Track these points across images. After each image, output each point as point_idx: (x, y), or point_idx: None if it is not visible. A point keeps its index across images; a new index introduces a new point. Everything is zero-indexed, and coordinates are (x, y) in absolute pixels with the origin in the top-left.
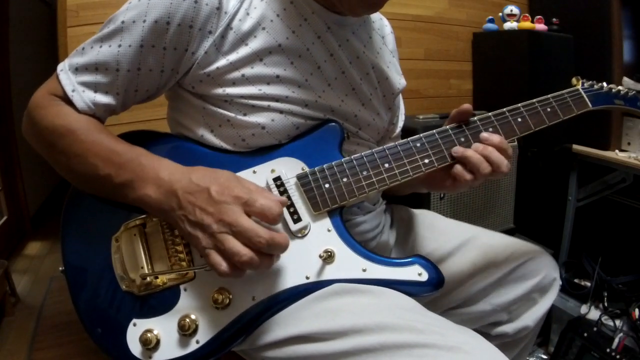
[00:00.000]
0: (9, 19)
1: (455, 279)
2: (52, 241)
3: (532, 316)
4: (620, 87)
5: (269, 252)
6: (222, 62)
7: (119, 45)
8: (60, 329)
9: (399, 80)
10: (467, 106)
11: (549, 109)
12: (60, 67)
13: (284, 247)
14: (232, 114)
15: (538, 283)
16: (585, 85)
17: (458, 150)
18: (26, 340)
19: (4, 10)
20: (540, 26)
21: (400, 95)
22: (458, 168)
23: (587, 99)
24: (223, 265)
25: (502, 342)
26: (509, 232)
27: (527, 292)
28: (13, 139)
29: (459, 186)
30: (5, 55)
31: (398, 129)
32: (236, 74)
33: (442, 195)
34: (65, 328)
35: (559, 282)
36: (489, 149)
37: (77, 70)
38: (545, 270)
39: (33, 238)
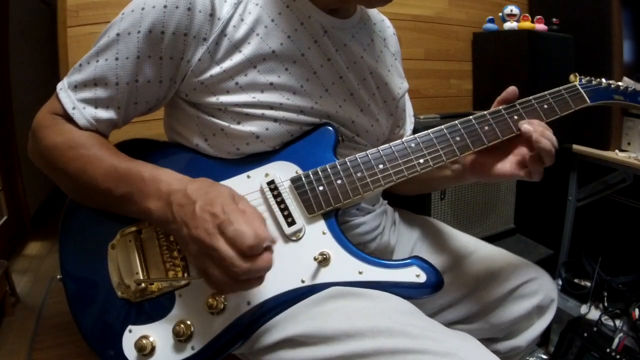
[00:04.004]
0: (9, 19)
1: (456, 293)
2: (52, 241)
3: (526, 337)
4: (619, 83)
5: (248, 278)
6: (215, 70)
7: (116, 58)
8: (60, 329)
9: (400, 84)
10: (512, 88)
11: (545, 106)
12: (59, 85)
13: (265, 270)
14: (226, 123)
15: (537, 304)
16: (583, 81)
17: (523, 124)
18: (26, 340)
19: (4, 10)
20: (540, 26)
21: (408, 98)
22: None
23: (585, 95)
24: (214, 285)
25: None
26: (509, 232)
27: (527, 314)
28: (13, 139)
29: (517, 169)
30: (5, 55)
31: (408, 132)
32: (230, 82)
33: (442, 196)
34: (65, 328)
35: (556, 304)
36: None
37: (77, 87)
38: (545, 291)
39: (33, 238)
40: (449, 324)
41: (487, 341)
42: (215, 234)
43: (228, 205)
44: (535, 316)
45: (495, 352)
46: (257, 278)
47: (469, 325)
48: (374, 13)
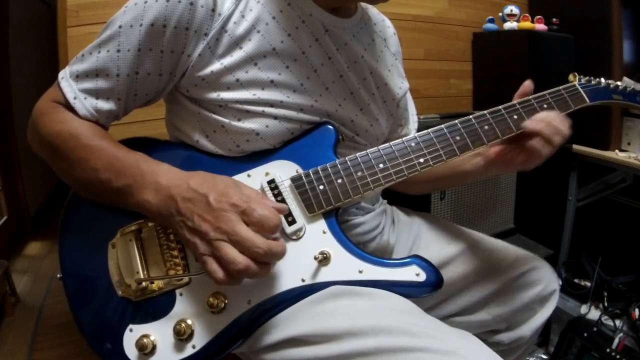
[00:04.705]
0: (9, 19)
1: (456, 286)
2: (52, 241)
3: (529, 327)
4: (618, 82)
5: (266, 261)
6: (216, 65)
7: (118, 50)
8: (60, 329)
9: (401, 85)
10: (528, 82)
11: (545, 105)
12: (61, 74)
13: (281, 255)
14: (226, 120)
15: (538, 294)
16: (582, 80)
17: (527, 124)
18: (26, 340)
19: (4, 10)
20: (540, 26)
21: (410, 98)
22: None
23: (584, 94)
24: (219, 273)
25: (497, 351)
26: (509, 232)
27: (528, 303)
28: (13, 139)
29: (534, 159)
30: (5, 55)
31: (413, 131)
32: (230, 78)
33: (442, 196)
34: (65, 328)
35: (558, 293)
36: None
37: (78, 77)
38: (546, 280)
39: (33, 238)
40: (451, 316)
41: (490, 333)
42: (238, 221)
43: (242, 193)
44: (537, 306)
45: (499, 343)
46: (267, 265)
47: (471, 316)
48: (375, 13)
